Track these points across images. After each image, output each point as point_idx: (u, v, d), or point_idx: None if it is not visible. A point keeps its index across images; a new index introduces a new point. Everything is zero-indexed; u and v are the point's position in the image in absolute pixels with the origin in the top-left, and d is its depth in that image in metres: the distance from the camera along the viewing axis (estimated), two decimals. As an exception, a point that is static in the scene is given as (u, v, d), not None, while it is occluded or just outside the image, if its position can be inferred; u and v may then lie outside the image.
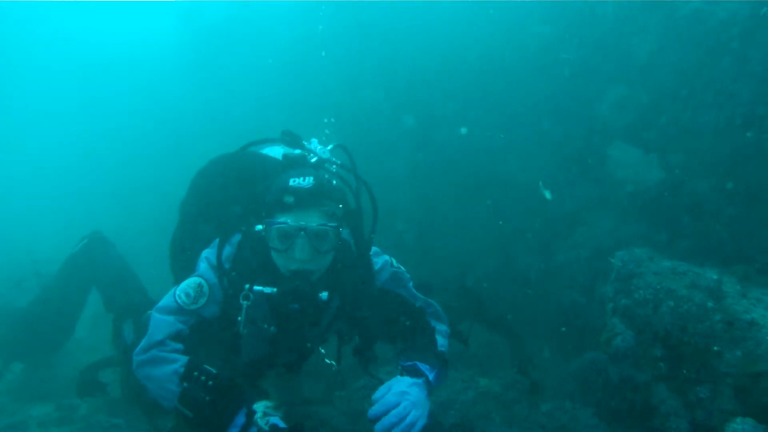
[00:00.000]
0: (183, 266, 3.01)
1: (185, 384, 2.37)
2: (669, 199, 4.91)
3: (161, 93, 10.69)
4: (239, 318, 2.58)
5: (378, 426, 2.42)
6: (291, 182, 2.53)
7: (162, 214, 4.79)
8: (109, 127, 12.09)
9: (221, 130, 8.45)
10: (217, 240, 2.78)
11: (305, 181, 2.51)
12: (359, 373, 3.31)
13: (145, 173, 10.02)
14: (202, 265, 2.72)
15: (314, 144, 3.04)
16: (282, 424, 2.36)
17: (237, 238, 2.77)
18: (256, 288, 2.57)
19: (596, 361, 3.61)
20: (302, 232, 2.49)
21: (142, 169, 10.16)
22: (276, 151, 3.11)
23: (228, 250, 2.73)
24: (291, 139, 3.02)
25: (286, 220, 2.50)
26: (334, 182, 2.75)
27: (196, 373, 2.40)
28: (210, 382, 2.37)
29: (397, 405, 2.44)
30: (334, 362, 2.83)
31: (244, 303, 2.56)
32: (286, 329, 2.73)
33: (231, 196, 2.92)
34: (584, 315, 4.62)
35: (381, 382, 2.62)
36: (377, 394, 2.55)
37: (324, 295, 2.59)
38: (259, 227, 2.60)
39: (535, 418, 3.34)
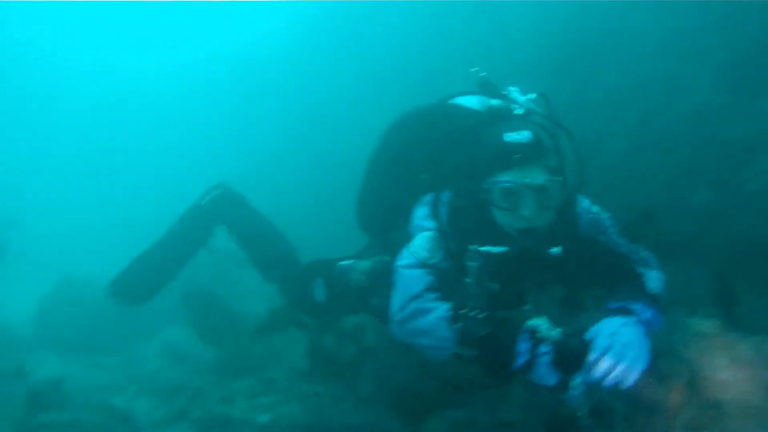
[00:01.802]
0: (382, 220, 3.05)
1: (458, 324, 2.28)
2: None
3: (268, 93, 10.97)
4: (467, 279, 2.42)
5: (591, 375, 2.16)
6: (507, 138, 2.44)
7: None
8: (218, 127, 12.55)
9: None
10: (430, 198, 2.68)
11: (522, 136, 2.42)
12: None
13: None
14: (426, 222, 2.61)
15: (514, 93, 2.89)
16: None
17: (447, 195, 2.67)
18: (483, 249, 2.43)
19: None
20: (529, 190, 2.40)
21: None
22: (473, 101, 2.94)
23: (442, 209, 2.63)
24: (490, 88, 2.90)
25: (510, 178, 2.41)
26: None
27: (464, 311, 2.31)
28: (481, 315, 2.28)
29: (608, 349, 2.18)
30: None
31: (473, 264, 2.42)
32: (509, 286, 2.56)
33: (432, 151, 2.83)
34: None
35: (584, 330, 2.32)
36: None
37: (557, 250, 2.46)
38: (482, 185, 2.47)
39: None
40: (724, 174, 5.12)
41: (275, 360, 5.40)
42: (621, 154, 5.82)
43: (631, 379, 2.16)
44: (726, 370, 3.00)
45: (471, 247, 2.43)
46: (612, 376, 2.13)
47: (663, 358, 3.28)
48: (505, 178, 2.42)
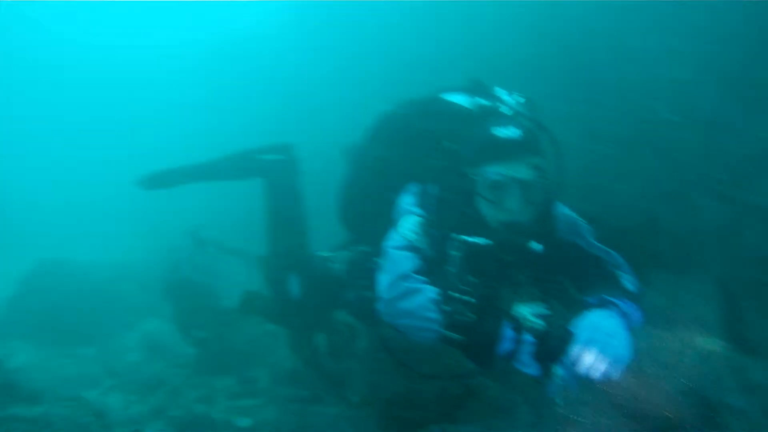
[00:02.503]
0: (364, 214, 3.09)
1: (446, 307, 2.32)
2: None
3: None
4: (450, 268, 2.47)
5: (576, 366, 2.15)
6: (497, 132, 2.50)
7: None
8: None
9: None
10: (416, 188, 2.74)
11: (512, 132, 2.48)
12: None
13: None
14: (414, 208, 2.66)
15: (502, 94, 2.95)
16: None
17: (433, 187, 2.72)
18: (468, 239, 2.47)
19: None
20: (515, 183, 2.45)
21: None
22: (461, 99, 2.98)
23: (429, 200, 2.68)
24: (479, 87, 2.98)
25: (499, 170, 2.47)
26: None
27: (455, 294, 2.36)
28: (472, 300, 2.34)
29: (591, 340, 2.16)
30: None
31: (456, 254, 2.47)
32: (489, 279, 2.56)
33: (420, 144, 2.88)
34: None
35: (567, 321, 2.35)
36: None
37: (537, 246, 2.48)
38: (470, 176, 2.54)
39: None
40: (732, 187, 4.98)
41: (258, 358, 5.20)
42: (617, 158, 5.68)
43: (616, 371, 2.15)
44: (735, 394, 2.86)
45: (455, 237, 2.48)
46: (597, 368, 2.12)
47: (672, 378, 3.14)
48: (494, 170, 2.47)
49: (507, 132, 2.48)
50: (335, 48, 9.33)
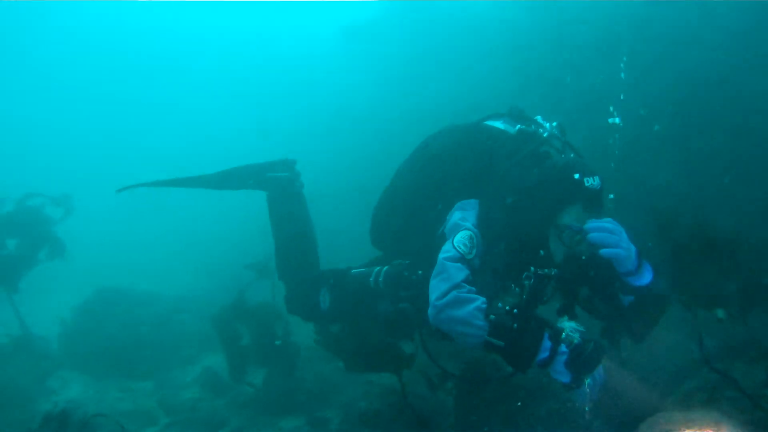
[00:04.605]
0: (403, 230, 3.25)
1: (492, 316, 2.50)
2: None
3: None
4: (517, 290, 2.71)
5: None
6: (587, 183, 2.67)
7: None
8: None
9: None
10: (468, 204, 2.93)
11: (596, 183, 2.67)
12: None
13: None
14: (466, 223, 2.83)
15: (540, 120, 3.17)
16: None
17: (496, 212, 2.88)
18: (540, 271, 2.66)
19: None
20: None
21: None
22: (500, 124, 3.20)
23: (495, 226, 2.84)
24: (519, 114, 3.20)
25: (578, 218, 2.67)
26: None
27: (500, 305, 2.59)
28: (515, 310, 2.54)
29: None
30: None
31: (527, 282, 2.67)
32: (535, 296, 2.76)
33: (469, 168, 3.06)
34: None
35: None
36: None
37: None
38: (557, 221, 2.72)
39: None
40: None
41: (328, 397, 4.71)
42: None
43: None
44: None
45: (531, 269, 2.68)
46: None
47: None
48: (572, 218, 2.68)
49: (593, 182, 2.66)
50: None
